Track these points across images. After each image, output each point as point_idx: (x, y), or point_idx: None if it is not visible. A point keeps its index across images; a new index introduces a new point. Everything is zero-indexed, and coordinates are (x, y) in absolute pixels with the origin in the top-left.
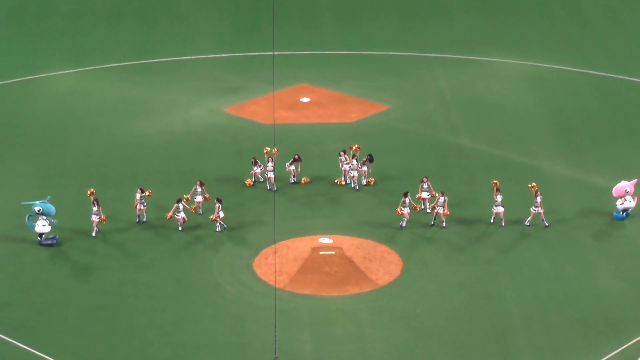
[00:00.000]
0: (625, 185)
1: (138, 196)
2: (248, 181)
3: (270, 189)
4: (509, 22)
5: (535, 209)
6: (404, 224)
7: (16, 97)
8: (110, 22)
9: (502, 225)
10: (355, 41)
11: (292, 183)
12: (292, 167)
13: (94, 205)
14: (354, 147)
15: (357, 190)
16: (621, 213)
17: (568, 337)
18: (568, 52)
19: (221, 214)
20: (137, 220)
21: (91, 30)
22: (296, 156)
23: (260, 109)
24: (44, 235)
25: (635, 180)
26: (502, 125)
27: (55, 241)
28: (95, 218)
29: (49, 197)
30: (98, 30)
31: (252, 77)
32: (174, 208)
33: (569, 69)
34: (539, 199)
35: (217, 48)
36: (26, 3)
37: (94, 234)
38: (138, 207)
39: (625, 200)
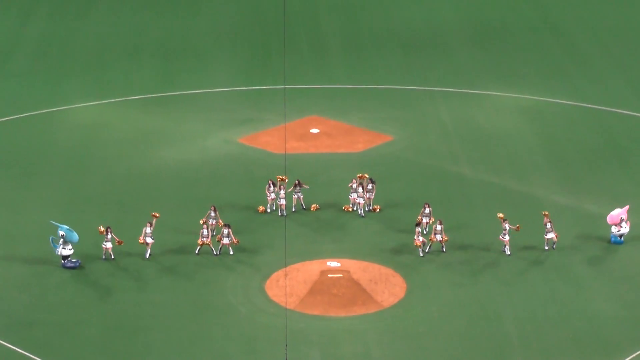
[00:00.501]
0: (620, 213)
1: (149, 230)
2: (260, 208)
3: (281, 215)
4: (507, 57)
5: (547, 235)
6: (421, 253)
7: (42, 128)
8: (131, 58)
9: (508, 254)
10: (362, 75)
11: (294, 211)
12: (300, 195)
13: (107, 234)
14: (364, 177)
15: (362, 216)
16: (619, 238)
17: (563, 356)
18: (563, 86)
19: (225, 239)
20: (147, 255)
21: (112, 65)
22: (297, 182)
23: (272, 139)
24: (68, 258)
25: (627, 206)
26: (500, 156)
27: (77, 264)
28: (108, 245)
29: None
30: (119, 65)
31: (265, 109)
32: (200, 233)
33: (564, 102)
34: (549, 225)
35: (231, 82)
36: (51, 39)
37: (112, 257)
38: (147, 240)
39: (621, 227)
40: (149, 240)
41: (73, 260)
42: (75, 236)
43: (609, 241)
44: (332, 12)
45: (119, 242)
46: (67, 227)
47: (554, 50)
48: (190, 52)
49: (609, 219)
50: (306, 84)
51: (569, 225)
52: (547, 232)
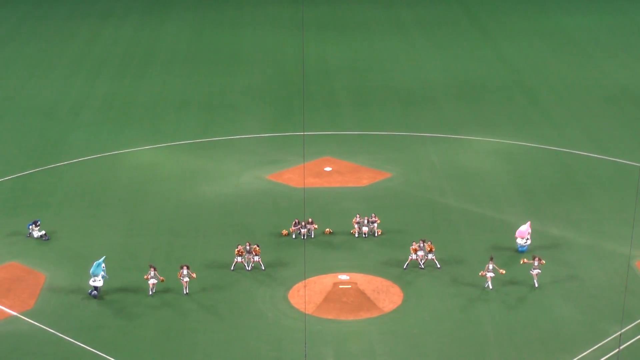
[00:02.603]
0: (526, 229)
1: (185, 271)
2: (284, 231)
3: (303, 238)
4: (484, 109)
5: (533, 271)
6: (421, 265)
7: (107, 167)
8: (179, 110)
9: (490, 288)
10: (367, 124)
11: (294, 238)
12: (309, 228)
13: (152, 270)
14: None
15: (365, 237)
16: (524, 247)
17: (531, 352)
18: (530, 132)
19: (256, 257)
20: (185, 292)
21: (164, 116)
22: (296, 220)
23: (294, 176)
24: (99, 289)
25: (529, 222)
26: (479, 189)
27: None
28: (153, 281)
29: (104, 256)
30: (169, 116)
31: (287, 151)
32: (235, 255)
33: (531, 145)
34: (536, 262)
35: (260, 129)
36: (114, 95)
37: (154, 292)
38: (184, 279)
39: (528, 240)
40: (185, 278)
41: (94, 291)
42: (98, 270)
43: (517, 250)
44: (342, 74)
45: (161, 279)
46: (96, 267)
47: (523, 104)
48: (228, 106)
49: (518, 234)
50: (321, 131)
51: (534, 244)
52: (533, 268)
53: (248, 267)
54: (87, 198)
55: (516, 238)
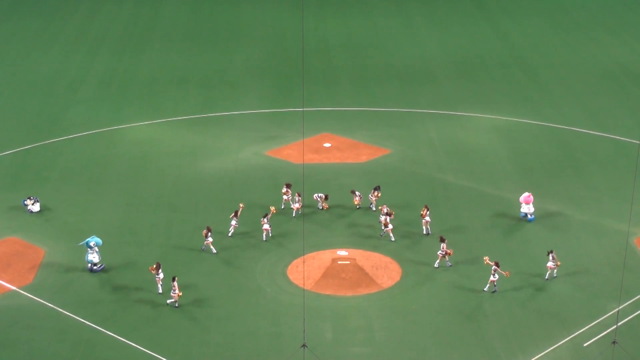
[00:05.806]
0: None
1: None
2: (272, 208)
3: (294, 216)
4: (483, 86)
5: (552, 264)
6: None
7: (106, 143)
8: (178, 87)
9: (495, 291)
10: (366, 100)
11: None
12: (286, 197)
13: (158, 273)
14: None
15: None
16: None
17: (528, 328)
18: (528, 109)
19: (266, 225)
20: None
21: (163, 92)
22: (286, 186)
23: (293, 152)
24: (98, 264)
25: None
26: (478, 166)
27: (103, 267)
28: (161, 275)
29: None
30: (168, 92)
31: (287, 128)
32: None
33: (529, 122)
34: (551, 256)
35: (259, 105)
36: (114, 72)
37: (160, 292)
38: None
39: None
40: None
41: (99, 265)
42: (99, 240)
43: (518, 219)
44: (341, 50)
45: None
46: (90, 237)
47: (521, 81)
48: (227, 82)
49: (524, 200)
50: (320, 107)
51: (534, 221)
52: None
53: (229, 231)
54: (86, 173)
55: (522, 204)
